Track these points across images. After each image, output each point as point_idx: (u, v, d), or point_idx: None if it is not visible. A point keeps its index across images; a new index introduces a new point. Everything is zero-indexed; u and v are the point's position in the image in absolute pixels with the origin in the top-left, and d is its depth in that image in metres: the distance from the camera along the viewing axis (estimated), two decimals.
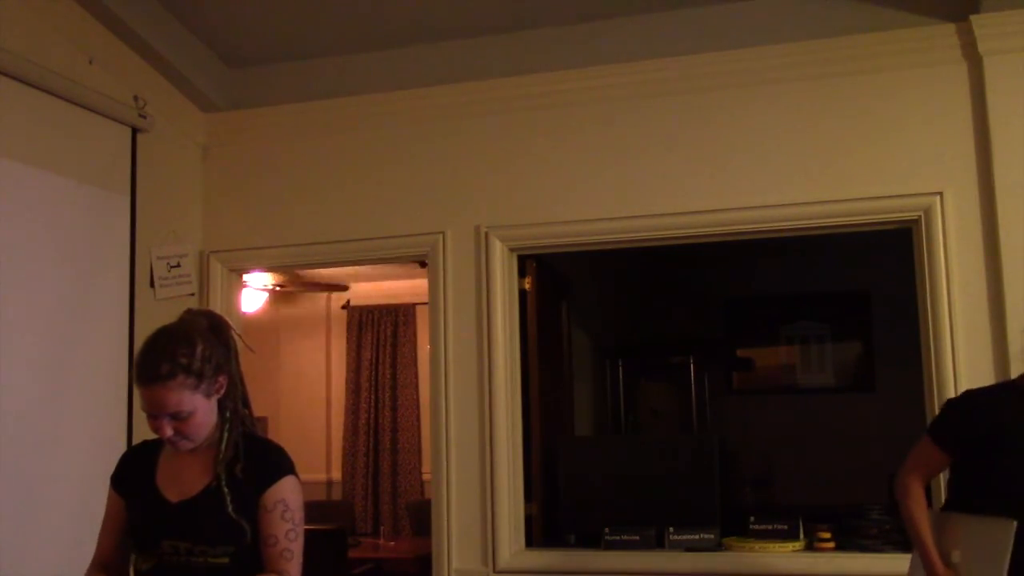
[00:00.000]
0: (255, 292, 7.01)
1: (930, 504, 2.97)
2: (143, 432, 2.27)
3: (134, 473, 2.32)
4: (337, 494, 7.69)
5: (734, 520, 3.93)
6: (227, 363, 2.25)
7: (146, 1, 3.90)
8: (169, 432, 2.18)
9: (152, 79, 4.08)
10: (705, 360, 6.80)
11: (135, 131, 3.99)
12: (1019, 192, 3.46)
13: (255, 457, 2.24)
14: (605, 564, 3.83)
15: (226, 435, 2.23)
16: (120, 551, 2.32)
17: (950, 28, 3.60)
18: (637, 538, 3.85)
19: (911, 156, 3.63)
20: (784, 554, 3.68)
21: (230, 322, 2.37)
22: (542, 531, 4.27)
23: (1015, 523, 2.50)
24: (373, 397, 7.65)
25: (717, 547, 3.80)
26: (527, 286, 4.34)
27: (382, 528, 7.08)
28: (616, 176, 3.93)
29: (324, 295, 7.86)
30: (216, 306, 4.21)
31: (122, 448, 3.36)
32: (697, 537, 3.81)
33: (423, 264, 4.44)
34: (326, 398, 7.87)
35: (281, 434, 7.19)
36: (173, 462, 2.27)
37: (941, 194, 3.57)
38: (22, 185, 3.44)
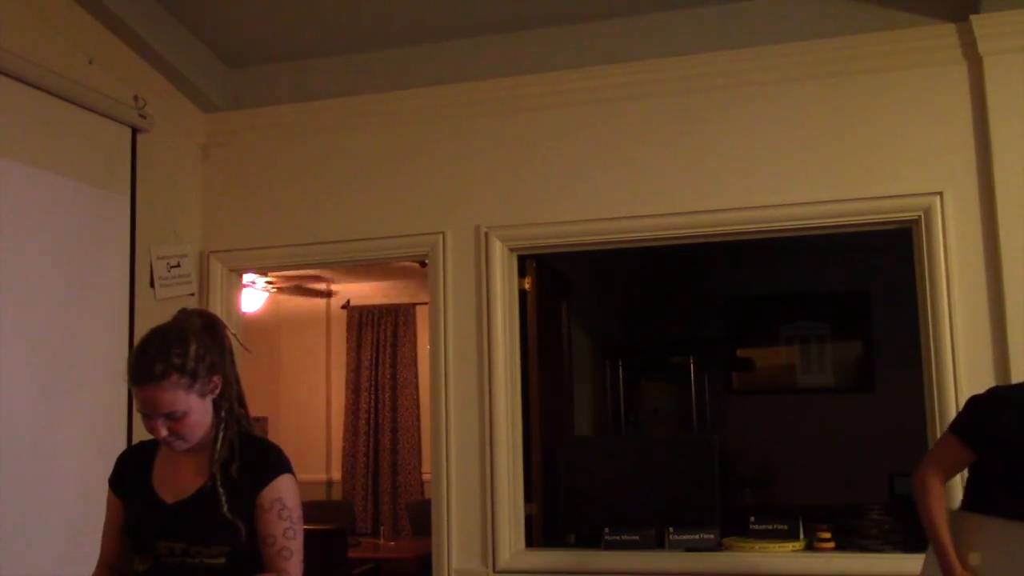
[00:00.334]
0: (255, 292, 7.01)
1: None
2: (142, 432, 2.26)
3: (130, 474, 2.32)
4: (337, 494, 7.69)
5: (734, 520, 3.92)
6: (222, 363, 2.24)
7: (146, 1, 3.89)
8: (164, 433, 2.17)
9: (152, 79, 4.08)
10: (705, 360, 6.80)
11: (135, 131, 3.98)
12: (1019, 192, 3.46)
13: (251, 457, 2.23)
14: (605, 564, 3.83)
15: (221, 435, 2.23)
16: (124, 552, 2.31)
17: (950, 28, 3.60)
18: (637, 538, 3.85)
19: (911, 156, 3.63)
20: (784, 554, 3.68)
21: (224, 322, 2.36)
22: (542, 531, 4.28)
23: None
24: (373, 397, 7.65)
25: (717, 547, 3.79)
26: (527, 286, 4.35)
27: (382, 528, 7.09)
28: (616, 176, 3.92)
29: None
30: (216, 306, 4.22)
31: (121, 448, 3.32)
32: (697, 537, 3.80)
33: (423, 264, 4.45)
34: (326, 398, 7.88)
35: (281, 434, 7.21)
36: (169, 463, 2.27)
37: (941, 194, 3.57)
38: (22, 185, 3.43)
